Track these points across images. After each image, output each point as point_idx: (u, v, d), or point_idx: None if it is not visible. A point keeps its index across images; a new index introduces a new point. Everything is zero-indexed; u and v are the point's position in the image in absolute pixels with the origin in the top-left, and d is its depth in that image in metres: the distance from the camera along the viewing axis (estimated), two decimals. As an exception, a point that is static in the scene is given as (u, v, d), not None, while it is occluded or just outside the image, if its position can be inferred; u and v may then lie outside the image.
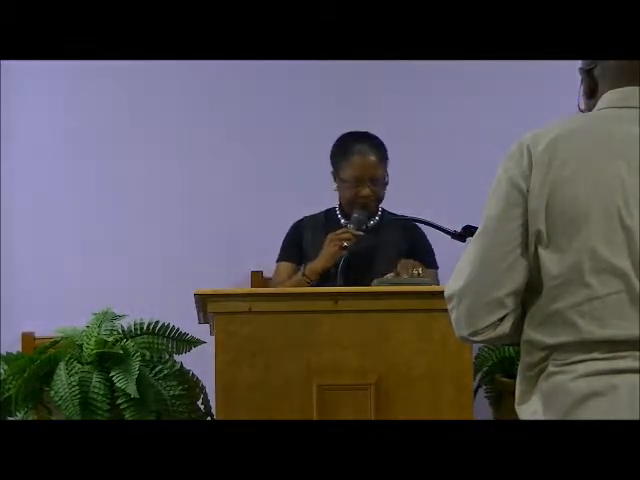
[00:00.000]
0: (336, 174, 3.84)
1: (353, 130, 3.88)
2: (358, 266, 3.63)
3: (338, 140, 3.87)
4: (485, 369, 3.98)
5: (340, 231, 3.69)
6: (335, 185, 3.86)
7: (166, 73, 4.38)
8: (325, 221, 3.93)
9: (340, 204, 3.91)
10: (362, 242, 3.73)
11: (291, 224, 4.00)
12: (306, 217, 3.98)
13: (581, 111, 2.10)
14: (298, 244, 3.92)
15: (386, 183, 3.82)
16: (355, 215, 3.74)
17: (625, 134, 1.95)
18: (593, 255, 1.91)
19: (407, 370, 3.04)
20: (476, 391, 3.79)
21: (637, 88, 1.99)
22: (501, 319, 1.99)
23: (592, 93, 2.07)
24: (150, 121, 4.47)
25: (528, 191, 1.96)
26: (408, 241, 3.83)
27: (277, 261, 3.96)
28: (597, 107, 2.04)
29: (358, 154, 3.78)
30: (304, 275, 3.71)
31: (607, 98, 2.02)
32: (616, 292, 1.91)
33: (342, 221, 3.85)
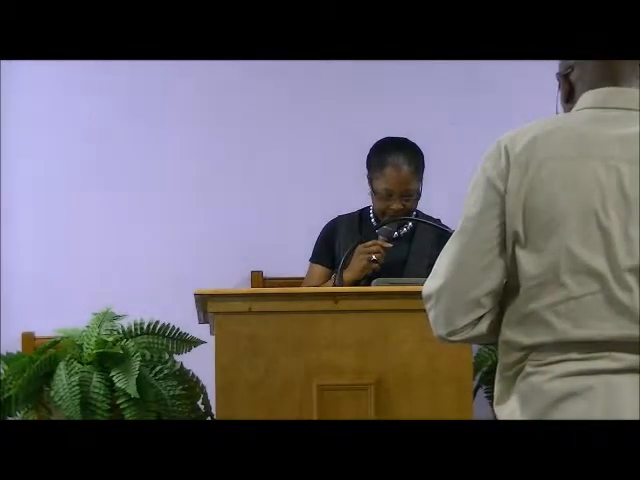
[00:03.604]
0: (370, 181, 3.80)
1: (392, 136, 3.84)
2: (388, 277, 3.57)
3: (375, 146, 3.82)
4: (485, 369, 3.98)
5: (369, 243, 3.63)
6: (369, 190, 3.81)
7: (167, 71, 4.38)
8: (359, 222, 3.89)
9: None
10: (393, 251, 3.71)
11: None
12: (340, 216, 3.94)
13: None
14: (331, 245, 3.89)
15: (419, 195, 3.77)
16: (385, 227, 3.70)
17: (603, 135, 1.96)
18: (569, 256, 1.92)
19: (407, 370, 3.04)
20: (476, 391, 3.79)
21: (615, 89, 2.00)
22: (479, 319, 2.00)
23: (569, 97, 2.09)
24: (150, 120, 4.47)
25: (506, 191, 1.96)
26: (441, 249, 3.75)
27: (310, 260, 3.94)
28: (575, 108, 2.05)
29: (392, 167, 3.72)
30: (334, 285, 3.67)
31: (585, 99, 2.03)
32: (592, 293, 1.91)
33: (374, 224, 3.80)
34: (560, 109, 2.12)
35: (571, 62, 2.07)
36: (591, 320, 1.91)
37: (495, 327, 2.02)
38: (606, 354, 1.91)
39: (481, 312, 2.00)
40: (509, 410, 1.99)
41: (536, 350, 1.95)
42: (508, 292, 2.00)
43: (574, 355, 1.92)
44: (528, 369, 1.97)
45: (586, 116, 2.00)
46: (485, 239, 1.98)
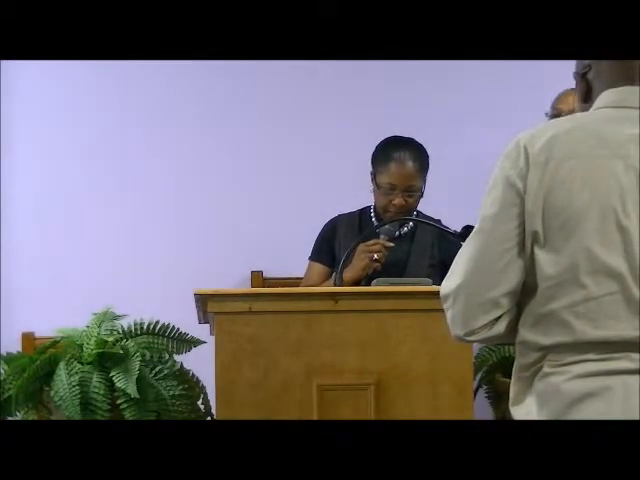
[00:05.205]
0: (373, 177, 3.80)
1: (397, 135, 3.84)
2: (389, 276, 3.56)
3: (381, 143, 3.83)
4: (485, 369, 3.98)
5: (371, 242, 3.64)
6: (372, 187, 3.82)
7: (167, 72, 4.38)
8: (359, 221, 3.89)
9: (375, 205, 3.88)
10: (394, 251, 3.70)
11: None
12: (340, 215, 3.94)
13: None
14: (331, 244, 3.89)
15: (421, 194, 3.78)
16: (386, 226, 3.70)
17: (621, 134, 1.95)
18: (589, 256, 1.91)
19: (407, 370, 3.04)
20: (476, 391, 3.79)
21: (633, 88, 1.99)
22: (497, 319, 1.99)
23: (587, 97, 2.07)
24: (150, 120, 4.47)
25: (525, 191, 1.95)
26: (442, 249, 3.77)
27: (309, 258, 3.94)
28: (594, 107, 2.04)
29: (396, 162, 3.73)
30: (334, 284, 3.66)
31: (603, 98, 2.02)
32: (611, 293, 1.90)
33: (375, 223, 3.81)
34: (578, 108, 2.11)
35: (588, 61, 2.05)
36: (609, 321, 1.90)
37: (513, 327, 2.00)
38: (624, 355, 1.89)
39: (499, 312, 1.98)
40: (526, 410, 1.99)
41: (554, 350, 1.94)
42: (526, 292, 1.98)
43: (592, 355, 1.91)
44: (546, 369, 1.96)
45: (604, 115, 1.99)
46: (503, 239, 1.96)
